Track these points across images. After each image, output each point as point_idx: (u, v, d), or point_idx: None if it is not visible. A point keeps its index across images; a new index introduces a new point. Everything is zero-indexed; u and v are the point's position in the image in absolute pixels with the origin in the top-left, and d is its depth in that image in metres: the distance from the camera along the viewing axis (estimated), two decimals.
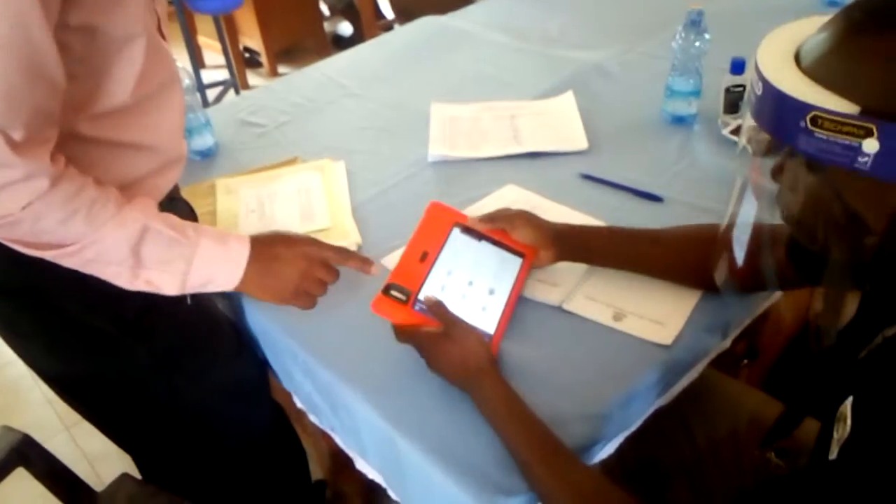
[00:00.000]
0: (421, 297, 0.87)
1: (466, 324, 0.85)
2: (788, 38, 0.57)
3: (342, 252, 0.87)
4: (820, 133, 0.51)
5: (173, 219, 0.80)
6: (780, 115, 0.53)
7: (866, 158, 0.50)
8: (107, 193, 0.75)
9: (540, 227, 0.94)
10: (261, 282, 0.83)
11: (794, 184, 0.59)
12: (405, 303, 0.86)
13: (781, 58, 0.55)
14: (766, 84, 0.54)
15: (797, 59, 0.55)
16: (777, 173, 0.61)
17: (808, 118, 0.51)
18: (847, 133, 0.50)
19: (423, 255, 0.91)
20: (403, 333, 0.85)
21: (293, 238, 0.87)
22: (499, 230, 0.95)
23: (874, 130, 0.48)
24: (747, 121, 0.60)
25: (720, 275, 0.74)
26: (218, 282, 0.82)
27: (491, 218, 0.95)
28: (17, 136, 0.66)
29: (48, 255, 0.75)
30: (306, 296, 0.86)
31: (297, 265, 0.84)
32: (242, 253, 0.82)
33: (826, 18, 0.57)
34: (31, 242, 0.74)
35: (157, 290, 0.80)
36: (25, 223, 0.70)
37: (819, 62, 0.53)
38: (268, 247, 0.85)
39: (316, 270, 0.85)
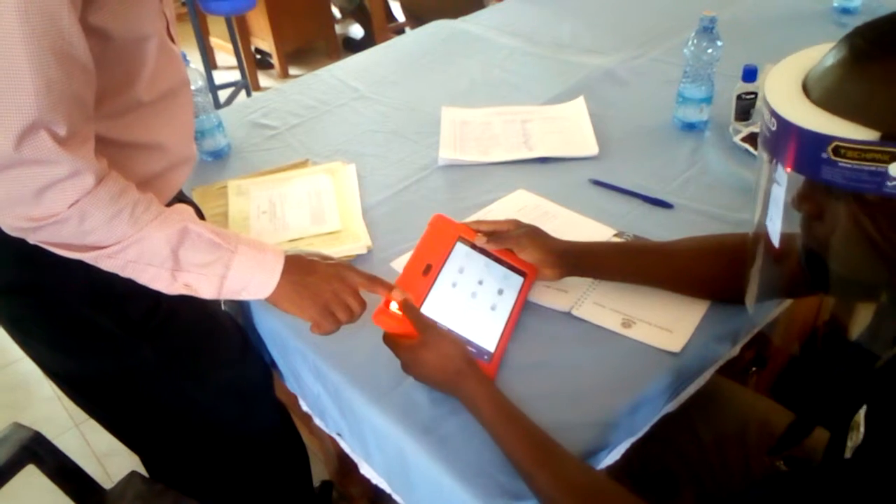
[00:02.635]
0: (423, 311, 0.86)
1: (441, 328, 0.85)
2: (792, 72, 0.57)
3: (373, 278, 0.86)
4: (844, 162, 0.51)
5: (211, 225, 0.81)
6: (800, 149, 0.53)
7: (895, 182, 0.50)
8: (148, 197, 0.76)
9: (546, 247, 0.93)
10: (293, 293, 0.82)
11: (819, 211, 0.59)
12: None
13: (790, 92, 0.55)
14: (781, 120, 0.54)
15: (805, 91, 0.55)
16: (800, 202, 0.60)
17: (829, 149, 0.51)
18: (871, 160, 0.50)
19: (426, 269, 0.90)
20: (388, 339, 0.85)
21: (329, 258, 0.87)
22: (504, 249, 0.94)
23: None
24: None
25: (751, 289, 0.73)
26: (252, 289, 0.81)
27: (499, 238, 0.94)
28: (61, 131, 0.67)
29: (88, 257, 0.75)
30: (332, 317, 0.84)
31: (329, 283, 0.83)
32: (278, 262, 0.82)
33: (825, 49, 0.57)
34: (73, 244, 0.74)
35: (195, 294, 0.80)
36: (72, 222, 0.71)
37: (829, 92, 0.53)
38: (304, 261, 0.84)
39: (345, 294, 0.84)
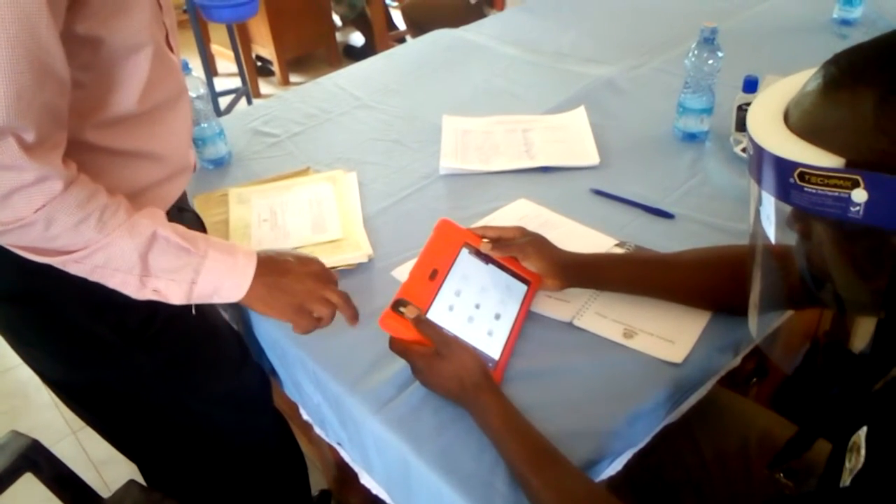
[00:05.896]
0: (429, 316, 0.86)
1: (458, 340, 0.85)
2: (778, 96, 0.59)
3: (343, 295, 0.86)
4: (809, 188, 0.52)
5: (182, 228, 0.80)
6: (771, 173, 0.55)
7: (858, 208, 0.50)
8: (118, 201, 0.75)
9: (550, 257, 0.93)
10: (266, 295, 0.82)
11: (808, 231, 0.60)
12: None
13: (770, 117, 0.57)
14: (755, 144, 0.56)
15: (786, 116, 0.56)
16: (791, 221, 0.62)
17: (795, 174, 0.52)
18: (835, 186, 0.51)
19: (432, 274, 0.90)
20: (397, 346, 0.85)
21: (303, 257, 0.87)
22: (508, 257, 0.94)
23: (860, 181, 0.49)
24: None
25: (752, 310, 0.74)
26: (224, 293, 0.81)
27: (503, 245, 0.94)
28: (29, 138, 0.66)
29: (56, 261, 0.74)
30: (308, 315, 0.84)
31: (303, 282, 0.84)
32: (249, 266, 0.81)
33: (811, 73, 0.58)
34: (40, 248, 0.73)
35: (164, 299, 0.79)
36: (37, 227, 0.70)
37: (803, 118, 0.54)
38: (276, 262, 0.84)
39: (322, 290, 0.84)
